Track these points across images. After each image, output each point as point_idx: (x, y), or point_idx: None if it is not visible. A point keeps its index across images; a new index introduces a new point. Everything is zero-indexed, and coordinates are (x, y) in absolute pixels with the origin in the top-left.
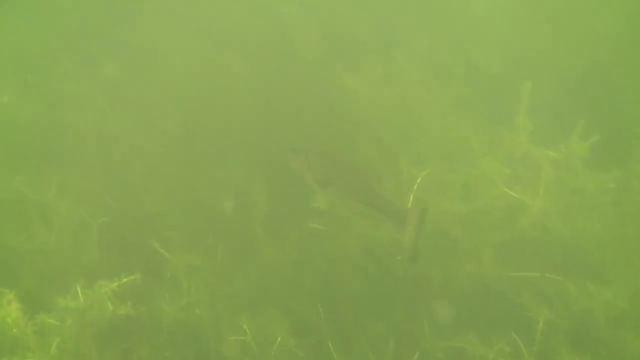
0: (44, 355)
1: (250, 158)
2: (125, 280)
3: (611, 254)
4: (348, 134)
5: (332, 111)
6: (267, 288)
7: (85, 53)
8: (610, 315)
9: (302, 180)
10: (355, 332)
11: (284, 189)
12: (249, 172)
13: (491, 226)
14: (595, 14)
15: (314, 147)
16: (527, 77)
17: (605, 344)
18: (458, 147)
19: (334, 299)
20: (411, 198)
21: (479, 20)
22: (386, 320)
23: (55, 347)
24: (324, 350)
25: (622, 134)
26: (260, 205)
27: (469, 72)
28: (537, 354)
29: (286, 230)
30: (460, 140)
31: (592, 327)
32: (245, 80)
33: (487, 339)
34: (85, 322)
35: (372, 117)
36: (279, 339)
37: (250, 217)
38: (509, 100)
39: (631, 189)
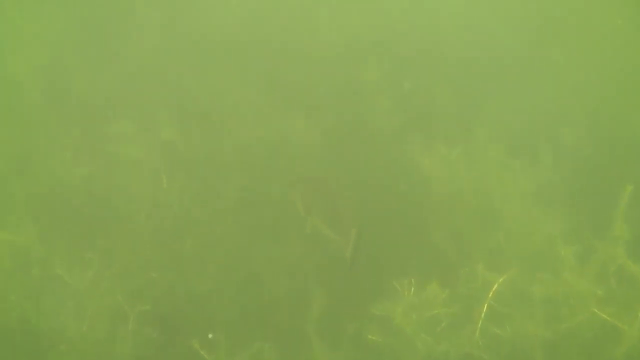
0: None
1: (310, 238)
2: None
3: None
4: (420, 220)
5: (404, 193)
6: None
7: (144, 114)
8: None
9: (365, 278)
10: None
11: (343, 284)
12: (307, 253)
13: (579, 355)
14: None
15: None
16: (627, 175)
17: None
18: (542, 251)
19: None
20: (485, 307)
21: (568, 93)
22: None
23: None
24: None
25: None
26: (316, 299)
27: (557, 154)
28: None
29: (341, 338)
30: (545, 243)
31: None
32: (312, 149)
33: None
34: None
35: (448, 202)
36: None
37: (303, 313)
38: (604, 196)
39: None
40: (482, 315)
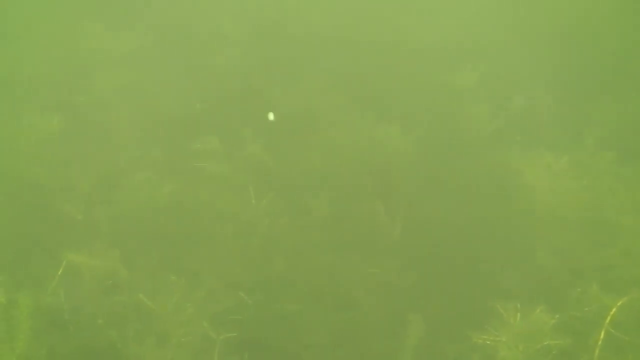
0: None
1: (404, 254)
2: None
3: None
4: (523, 235)
5: (504, 204)
6: None
7: (230, 129)
8: None
9: (465, 301)
10: None
11: (442, 306)
12: (401, 271)
13: None
14: None
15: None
16: None
17: None
18: None
19: None
20: (602, 334)
21: None
22: None
23: None
24: None
25: None
26: (413, 323)
27: None
28: None
29: None
30: None
31: None
32: (405, 157)
33: None
34: None
35: (554, 215)
36: None
37: (399, 339)
38: None
39: None
40: (599, 343)
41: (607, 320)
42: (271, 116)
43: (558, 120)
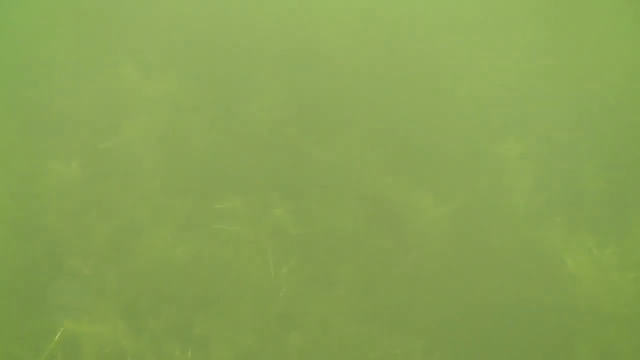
0: None
1: (433, 333)
2: None
3: None
4: (561, 331)
5: (541, 294)
6: None
7: (255, 190)
8: None
9: None
10: None
11: None
12: (428, 353)
13: None
14: None
15: None
16: None
17: None
18: None
19: None
20: None
21: None
22: None
23: None
24: None
25: None
26: None
27: None
28: None
29: None
30: None
31: None
32: (440, 230)
33: None
34: None
35: (598, 315)
36: None
37: None
38: None
39: None
40: None
41: None
42: None
43: (605, 203)
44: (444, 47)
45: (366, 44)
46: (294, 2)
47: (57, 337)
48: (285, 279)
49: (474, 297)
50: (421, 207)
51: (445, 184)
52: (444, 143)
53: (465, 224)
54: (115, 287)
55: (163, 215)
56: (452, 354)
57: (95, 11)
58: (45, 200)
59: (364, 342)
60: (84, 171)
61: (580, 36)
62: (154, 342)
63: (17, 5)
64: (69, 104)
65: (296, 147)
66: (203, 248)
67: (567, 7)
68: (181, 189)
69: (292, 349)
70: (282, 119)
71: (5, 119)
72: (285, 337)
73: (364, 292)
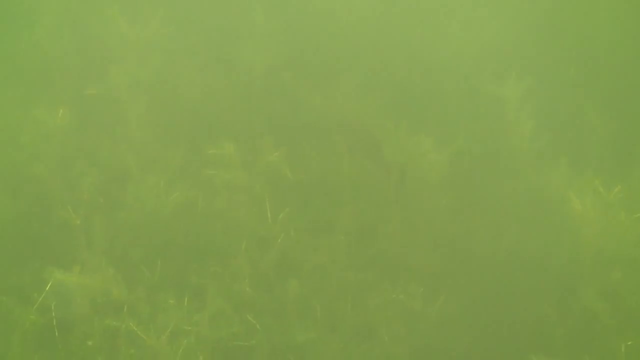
0: None
1: (437, 282)
2: None
3: None
4: (564, 273)
5: (545, 236)
6: None
7: (248, 134)
8: None
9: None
10: None
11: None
12: (430, 298)
13: None
14: None
15: None
16: None
17: None
18: None
19: None
20: None
21: None
22: None
23: None
24: None
25: None
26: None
27: None
28: None
29: None
30: None
31: None
32: (440, 174)
33: None
34: None
35: (602, 254)
36: None
37: None
38: None
39: None
40: None
41: None
42: None
43: (610, 142)
44: None
45: None
46: None
47: (48, 287)
48: (282, 226)
49: (476, 242)
50: (421, 151)
51: (444, 127)
52: (443, 85)
53: (466, 167)
54: (107, 237)
55: (154, 162)
56: (454, 300)
57: None
58: (32, 150)
59: (363, 289)
60: (71, 119)
61: None
62: (148, 291)
63: None
64: (53, 50)
65: (292, 92)
66: (196, 195)
67: None
68: (172, 135)
69: (290, 297)
70: (277, 63)
71: None
72: (283, 285)
73: (363, 237)
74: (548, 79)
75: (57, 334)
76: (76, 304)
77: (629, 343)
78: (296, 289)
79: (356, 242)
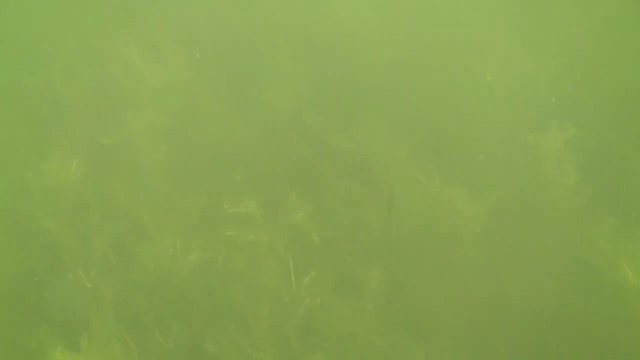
0: None
1: (470, 343)
2: None
3: None
4: (616, 349)
5: (593, 305)
6: None
7: (271, 193)
8: None
9: None
10: None
11: None
12: None
13: None
14: None
15: None
16: None
17: None
18: None
19: None
20: None
21: None
22: None
23: None
24: None
25: None
26: None
27: None
28: None
29: None
30: None
31: None
32: (473, 227)
33: None
34: None
35: None
36: None
37: None
38: None
39: None
40: None
41: None
42: None
43: None
44: (473, 27)
45: (390, 26)
46: None
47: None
48: (307, 290)
49: (513, 303)
50: (455, 204)
51: (480, 178)
52: (478, 133)
53: (503, 223)
54: (119, 300)
55: (171, 219)
56: None
57: None
58: (43, 203)
59: (393, 355)
60: (86, 170)
61: (624, 19)
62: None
63: None
64: (69, 93)
65: (316, 139)
66: (216, 256)
67: None
68: (191, 189)
69: None
70: (301, 109)
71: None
72: (308, 357)
73: (393, 299)
74: (593, 128)
75: None
76: None
77: None
78: None
79: (386, 305)
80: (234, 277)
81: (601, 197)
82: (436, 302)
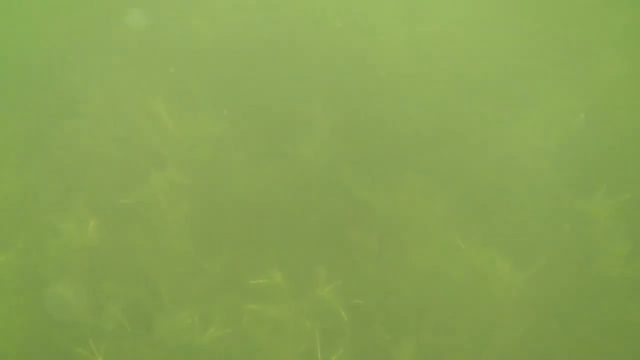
0: None
1: None
2: None
3: None
4: None
5: None
6: None
7: (296, 263)
8: None
9: None
10: None
11: None
12: None
13: None
14: None
15: None
16: None
17: None
18: None
19: None
20: None
21: None
22: None
23: None
24: None
25: None
26: None
27: None
28: None
29: None
30: None
31: None
32: (515, 298)
33: None
34: None
35: None
36: None
37: None
38: None
39: None
40: None
41: None
42: None
43: None
44: (520, 76)
45: (430, 78)
46: (344, 30)
47: None
48: None
49: None
50: (496, 271)
51: (522, 246)
52: (520, 198)
53: (548, 293)
54: None
55: (189, 291)
56: None
57: (120, 42)
58: (59, 268)
59: None
60: (102, 234)
61: None
62: None
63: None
64: (93, 147)
65: (350, 195)
66: (235, 332)
67: None
68: (212, 258)
69: None
70: (335, 163)
71: (10, 167)
72: None
73: None
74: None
75: None
76: None
77: None
78: None
79: None
80: (255, 355)
81: None
82: None
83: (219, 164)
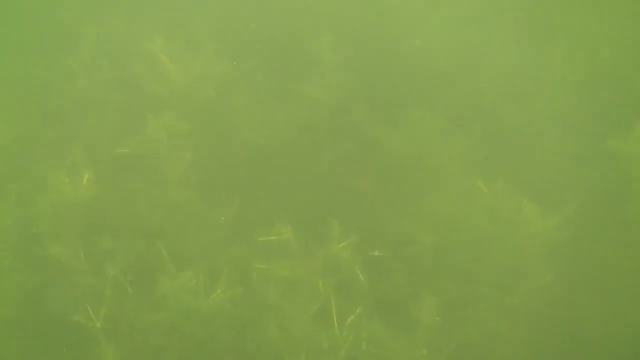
0: None
1: None
2: None
3: None
4: None
5: None
6: None
7: (310, 214)
8: None
9: None
10: None
11: None
12: None
13: None
14: None
15: None
16: None
17: None
18: None
19: None
20: None
21: None
22: None
23: None
24: None
25: None
26: None
27: None
28: None
29: None
30: None
31: None
32: None
33: None
34: None
35: None
36: None
37: None
38: None
39: None
40: None
41: None
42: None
43: None
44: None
45: (446, 9)
46: None
47: None
48: (350, 332)
49: (590, 334)
50: (522, 217)
51: (552, 188)
52: (546, 134)
53: (580, 239)
54: (134, 344)
55: (192, 250)
56: None
57: None
58: (51, 224)
59: None
60: (97, 186)
61: None
62: None
63: None
64: (90, 92)
65: (362, 136)
66: (244, 293)
67: None
68: (218, 211)
69: None
70: (345, 102)
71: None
72: None
73: (450, 332)
74: None
75: None
76: None
77: None
78: None
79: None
80: (264, 318)
81: None
82: (500, 330)
83: (221, 107)
